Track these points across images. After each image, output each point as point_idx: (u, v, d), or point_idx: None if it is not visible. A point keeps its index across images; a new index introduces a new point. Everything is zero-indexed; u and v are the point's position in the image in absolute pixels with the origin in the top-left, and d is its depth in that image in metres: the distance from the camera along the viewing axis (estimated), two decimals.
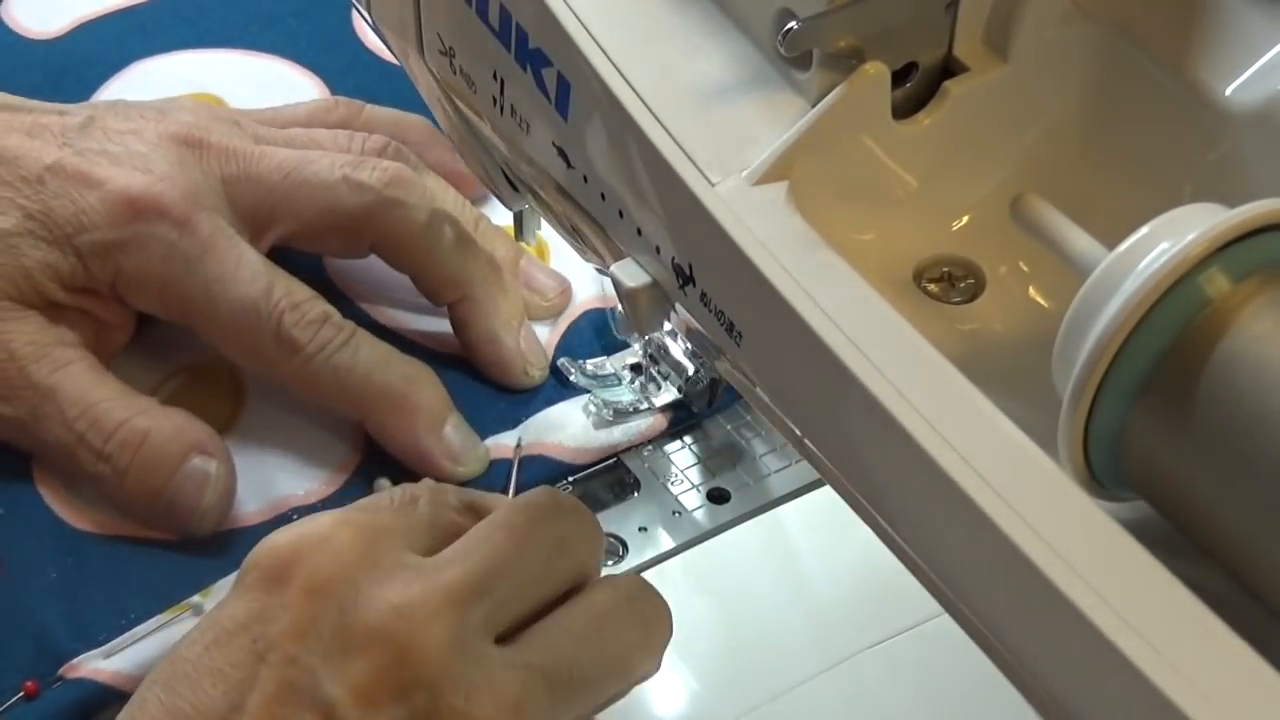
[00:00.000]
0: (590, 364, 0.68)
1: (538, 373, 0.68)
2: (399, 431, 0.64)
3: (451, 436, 0.64)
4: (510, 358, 0.67)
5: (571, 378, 0.67)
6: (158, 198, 0.63)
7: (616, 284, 0.48)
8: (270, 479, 0.64)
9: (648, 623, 0.52)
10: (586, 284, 0.71)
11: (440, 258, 0.67)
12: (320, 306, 0.64)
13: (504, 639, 0.50)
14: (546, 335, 0.70)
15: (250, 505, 0.64)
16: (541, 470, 0.65)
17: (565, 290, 0.71)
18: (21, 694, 0.58)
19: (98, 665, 0.58)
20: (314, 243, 0.67)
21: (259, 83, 0.80)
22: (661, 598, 0.53)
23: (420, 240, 0.66)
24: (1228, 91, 0.45)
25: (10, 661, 0.59)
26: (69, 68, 0.80)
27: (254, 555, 0.50)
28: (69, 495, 0.64)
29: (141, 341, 0.67)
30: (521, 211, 0.65)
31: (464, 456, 0.64)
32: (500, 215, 0.70)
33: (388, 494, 0.53)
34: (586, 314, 0.71)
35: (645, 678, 0.53)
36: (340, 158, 0.66)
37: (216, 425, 0.64)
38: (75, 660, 0.58)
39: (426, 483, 0.55)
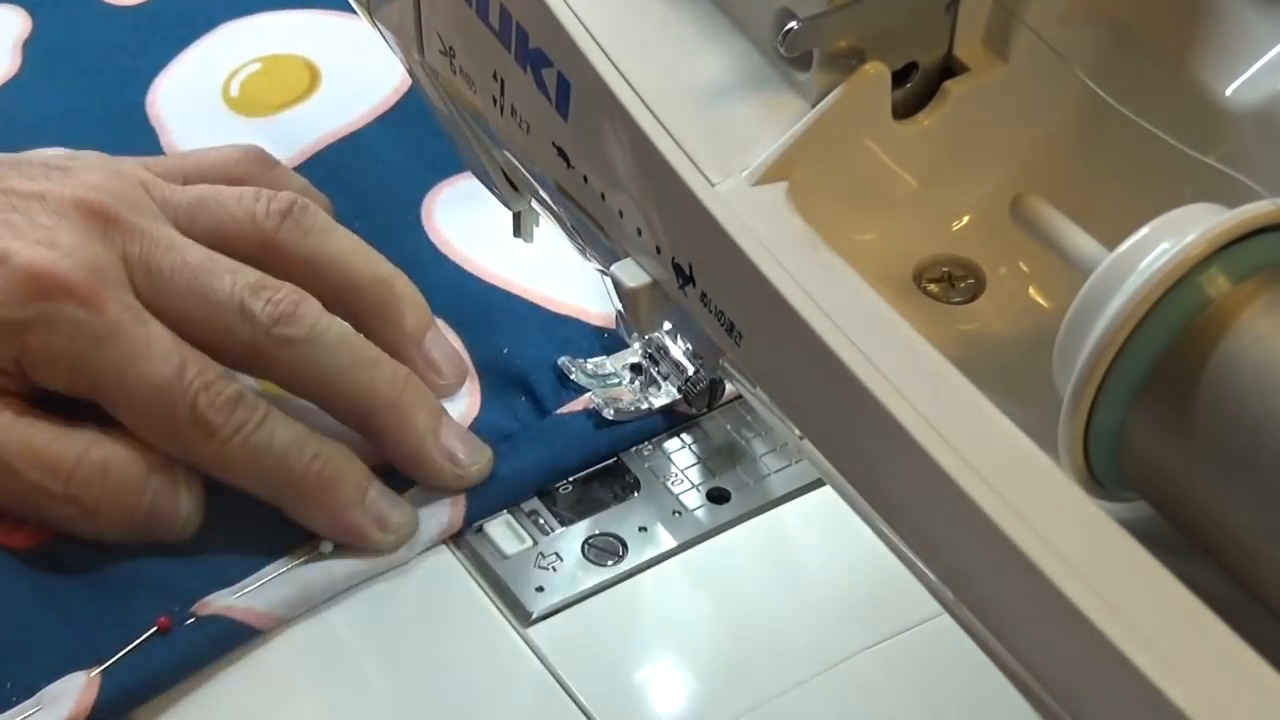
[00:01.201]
0: (590, 364, 0.68)
1: (474, 469, 0.63)
2: (318, 513, 0.61)
3: (377, 503, 0.61)
4: (439, 473, 0.63)
5: (572, 376, 0.67)
6: (64, 276, 0.60)
7: (616, 284, 0.48)
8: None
9: None
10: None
11: (339, 388, 0.63)
12: (233, 386, 0.61)
13: None
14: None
15: None
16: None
17: (462, 371, 0.67)
18: (155, 629, 0.58)
19: (229, 602, 0.59)
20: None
21: (347, 44, 0.79)
22: None
23: (312, 374, 0.63)
24: (1228, 91, 0.45)
25: (140, 599, 0.59)
26: (154, 31, 0.80)
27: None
28: None
29: None
30: (521, 211, 0.65)
31: (391, 522, 0.61)
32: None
33: None
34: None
35: None
36: (243, 274, 0.62)
37: None
38: (207, 598, 0.59)
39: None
